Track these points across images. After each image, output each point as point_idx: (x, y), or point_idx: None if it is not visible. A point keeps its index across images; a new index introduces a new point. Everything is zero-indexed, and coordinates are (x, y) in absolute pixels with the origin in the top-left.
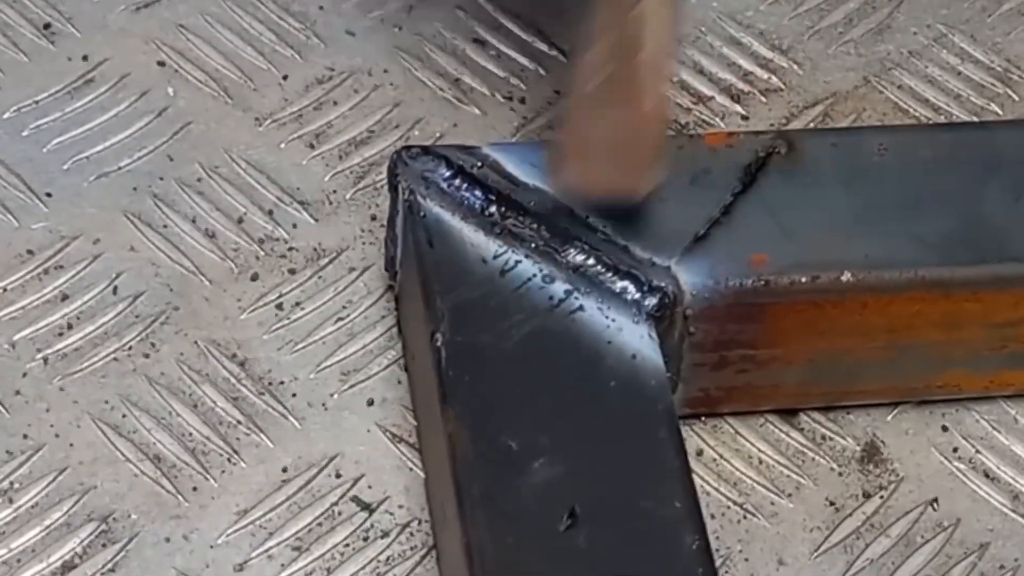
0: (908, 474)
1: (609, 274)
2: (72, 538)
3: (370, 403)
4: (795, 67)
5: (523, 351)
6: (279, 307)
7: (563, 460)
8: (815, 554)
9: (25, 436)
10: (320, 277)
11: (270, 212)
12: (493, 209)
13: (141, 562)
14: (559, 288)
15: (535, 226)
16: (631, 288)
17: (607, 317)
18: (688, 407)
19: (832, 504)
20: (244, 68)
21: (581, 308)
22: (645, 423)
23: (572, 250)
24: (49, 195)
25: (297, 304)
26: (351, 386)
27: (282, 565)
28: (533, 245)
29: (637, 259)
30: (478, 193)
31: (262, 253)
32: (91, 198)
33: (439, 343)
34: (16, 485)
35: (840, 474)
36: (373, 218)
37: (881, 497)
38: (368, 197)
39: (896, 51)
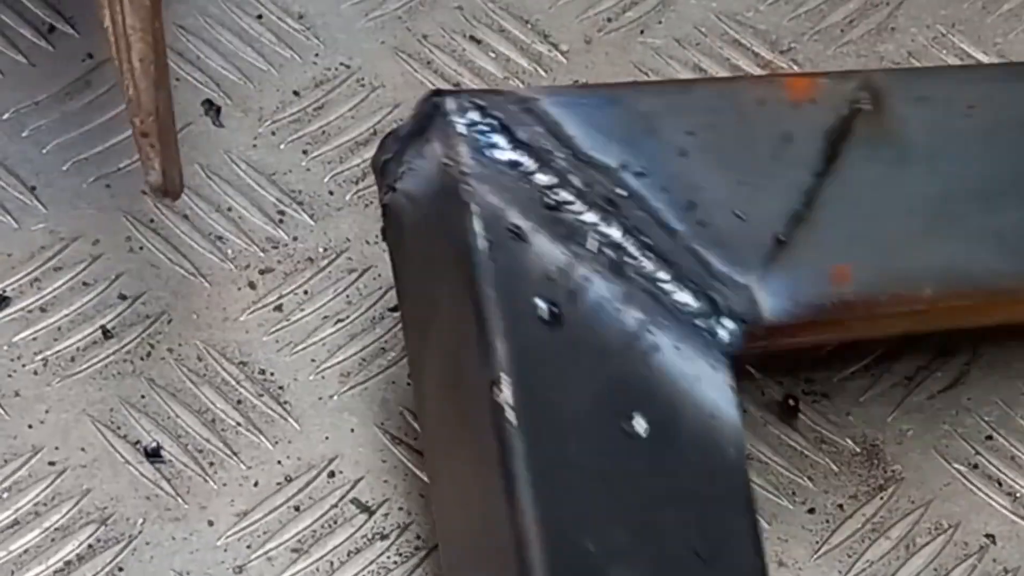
0: (908, 476)
1: (686, 296)
2: (71, 540)
3: (370, 405)
4: (795, 68)
5: (596, 411)
6: (279, 308)
7: (641, 564)
8: (815, 556)
9: (24, 438)
10: (320, 278)
11: (269, 213)
12: (558, 200)
13: (140, 564)
14: (632, 318)
15: (606, 224)
16: (711, 321)
17: (683, 360)
18: None
19: (832, 506)
20: (244, 69)
21: (656, 348)
22: (723, 508)
23: (646, 260)
24: (48, 196)
25: (297, 306)
26: (351, 388)
27: (282, 567)
28: (602, 254)
29: (716, 274)
30: (540, 176)
31: (262, 254)
32: (90, 199)
33: (502, 401)
34: (15, 487)
35: (840, 475)
36: (376, 220)
37: (881, 499)
38: (368, 198)
39: (896, 51)
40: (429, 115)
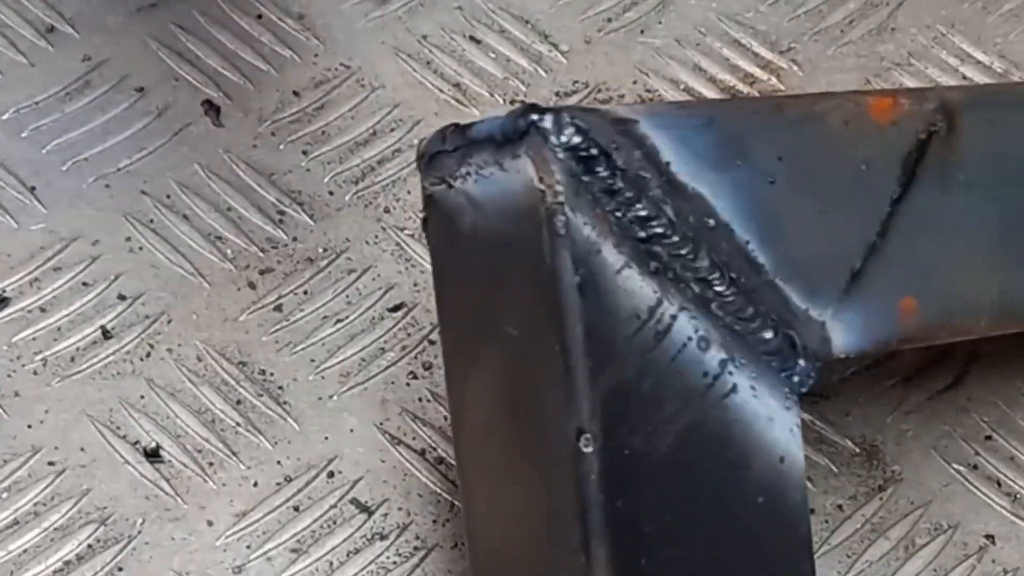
0: (907, 476)
1: (766, 334)
2: (71, 540)
3: (369, 405)
4: (795, 68)
5: (673, 458)
6: (278, 308)
7: None
8: (815, 556)
9: (24, 438)
10: (319, 279)
11: (269, 214)
12: (651, 232)
13: (140, 564)
14: (714, 358)
15: (695, 257)
16: (787, 360)
17: (759, 400)
18: None
19: (831, 506)
20: (243, 69)
21: (734, 389)
22: (788, 556)
23: (731, 295)
24: (48, 196)
25: (296, 306)
26: (350, 388)
27: (281, 567)
28: (689, 290)
29: (793, 310)
30: (635, 205)
31: (261, 254)
32: (90, 199)
33: (589, 450)
34: (15, 487)
35: (839, 476)
36: (376, 220)
37: (880, 499)
38: (367, 198)
39: (896, 52)
40: (523, 130)
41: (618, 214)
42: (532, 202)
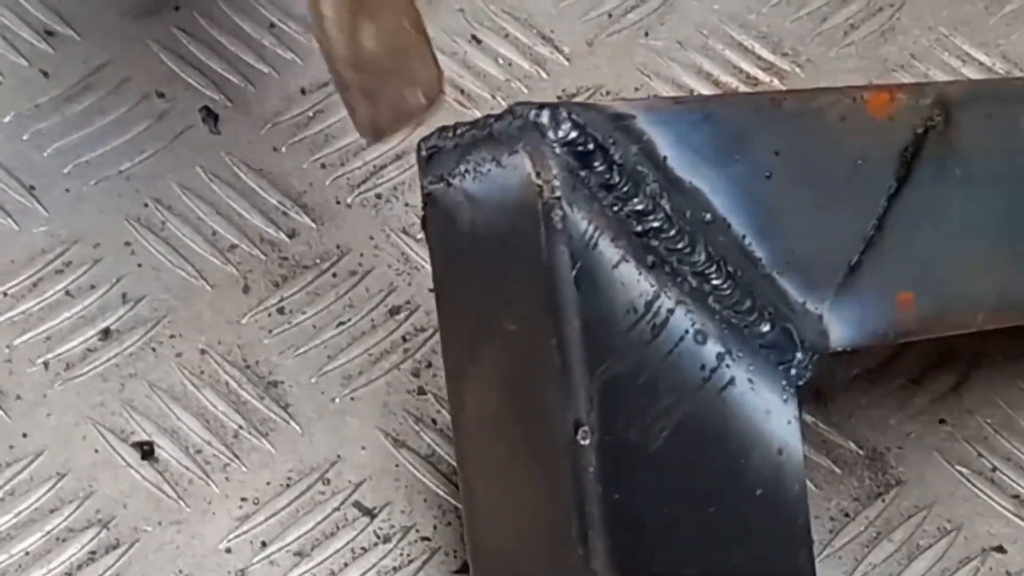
0: (911, 479)
1: (763, 327)
2: (73, 543)
3: (372, 408)
4: (797, 70)
5: (671, 451)
6: (280, 311)
7: None
8: (818, 559)
9: (26, 441)
10: (322, 281)
11: (271, 216)
12: (648, 226)
13: (143, 567)
14: (711, 351)
15: (692, 251)
16: (784, 353)
17: (756, 393)
18: None
19: (835, 509)
20: (245, 72)
21: (732, 382)
22: (787, 547)
23: (728, 288)
24: (49, 199)
25: (299, 308)
26: (353, 390)
27: (284, 571)
28: (686, 284)
29: (791, 303)
30: (632, 199)
31: (263, 257)
32: (92, 202)
33: (586, 443)
34: (17, 490)
35: (843, 479)
36: (378, 222)
37: (884, 501)
38: (370, 200)
39: (898, 53)
40: (520, 126)
41: (615, 208)
42: (529, 197)
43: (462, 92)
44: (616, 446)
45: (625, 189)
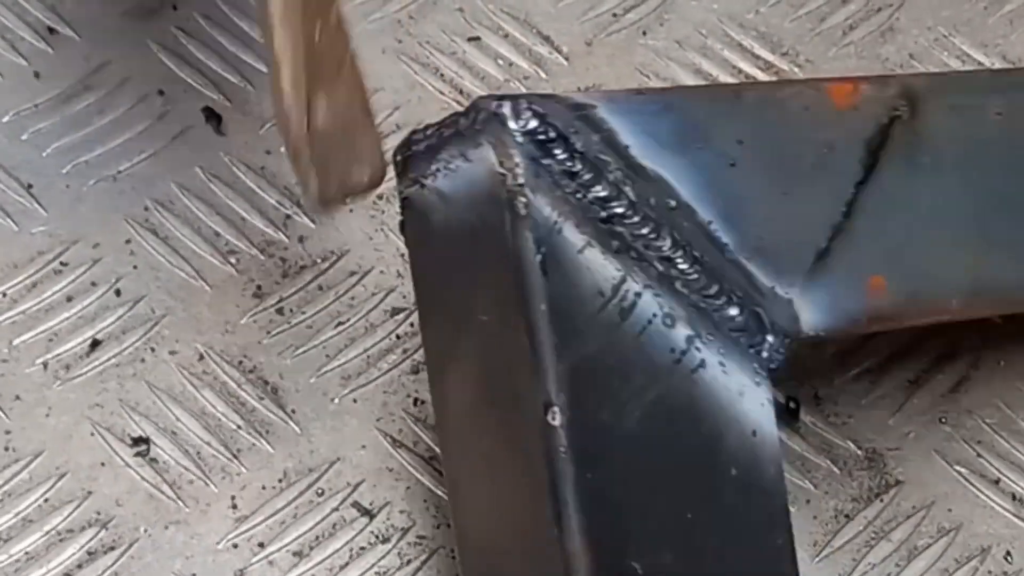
0: (910, 479)
1: (731, 311)
2: (72, 544)
3: (371, 407)
4: (796, 69)
5: (643, 431)
6: (279, 311)
7: None
8: (817, 559)
9: (25, 441)
10: (321, 281)
11: (270, 216)
12: (612, 212)
13: (141, 568)
14: (680, 335)
15: (655, 236)
16: (754, 336)
17: (728, 375)
18: None
19: (834, 509)
20: (244, 72)
21: (703, 365)
22: (764, 528)
23: (694, 273)
24: (49, 199)
25: (298, 308)
26: (352, 391)
27: (283, 571)
28: (653, 268)
29: (760, 288)
30: (596, 186)
31: (262, 257)
32: (91, 202)
33: (557, 423)
34: (16, 490)
35: (842, 479)
36: (377, 222)
37: (882, 501)
38: (369, 201)
39: (897, 53)
40: (483, 119)
41: (578, 195)
42: (494, 187)
43: (461, 92)
44: (587, 426)
45: (588, 177)
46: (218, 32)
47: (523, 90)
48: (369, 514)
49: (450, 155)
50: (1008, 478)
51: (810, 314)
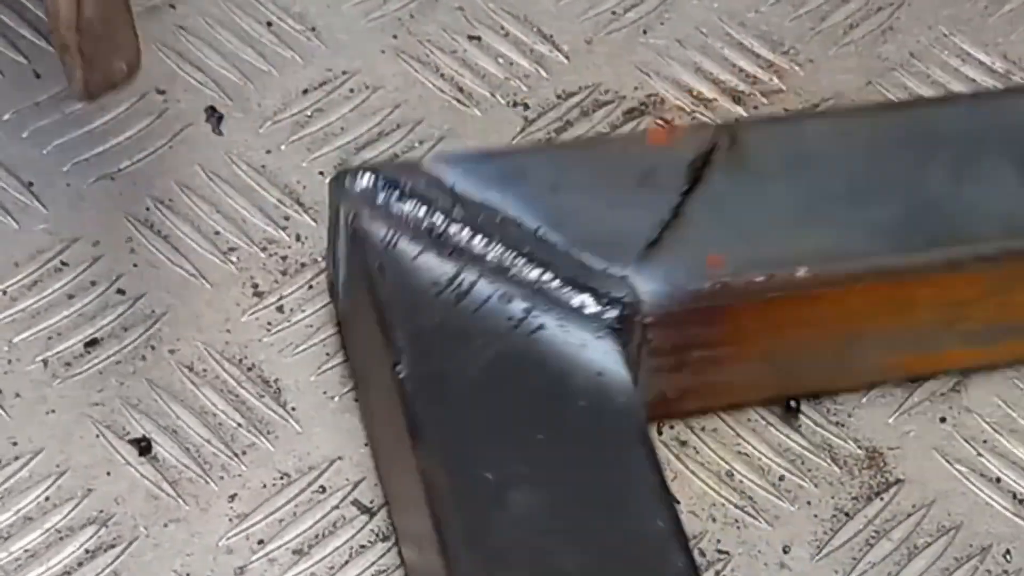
0: (910, 477)
1: (566, 289)
2: (72, 542)
3: None
4: (796, 68)
5: (488, 377)
6: (280, 309)
7: (541, 487)
8: (816, 558)
9: (25, 439)
10: (321, 279)
11: (271, 214)
12: (442, 229)
13: (141, 566)
14: (517, 307)
15: (486, 243)
16: (590, 302)
17: (568, 333)
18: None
19: (834, 508)
20: (244, 70)
21: (542, 327)
22: (619, 442)
23: (526, 266)
24: (49, 197)
25: (298, 306)
26: (352, 389)
27: (283, 569)
28: (486, 264)
29: (592, 271)
30: (425, 213)
31: (263, 255)
32: (91, 200)
33: (402, 375)
34: (16, 488)
35: (842, 477)
36: None
37: (882, 500)
38: None
39: (897, 52)
40: (336, 193)
41: (413, 220)
42: (351, 234)
43: (461, 91)
44: (431, 376)
45: (419, 209)
46: (218, 30)
47: (524, 89)
48: (369, 512)
49: (336, 223)
50: (1008, 477)
51: (647, 286)
